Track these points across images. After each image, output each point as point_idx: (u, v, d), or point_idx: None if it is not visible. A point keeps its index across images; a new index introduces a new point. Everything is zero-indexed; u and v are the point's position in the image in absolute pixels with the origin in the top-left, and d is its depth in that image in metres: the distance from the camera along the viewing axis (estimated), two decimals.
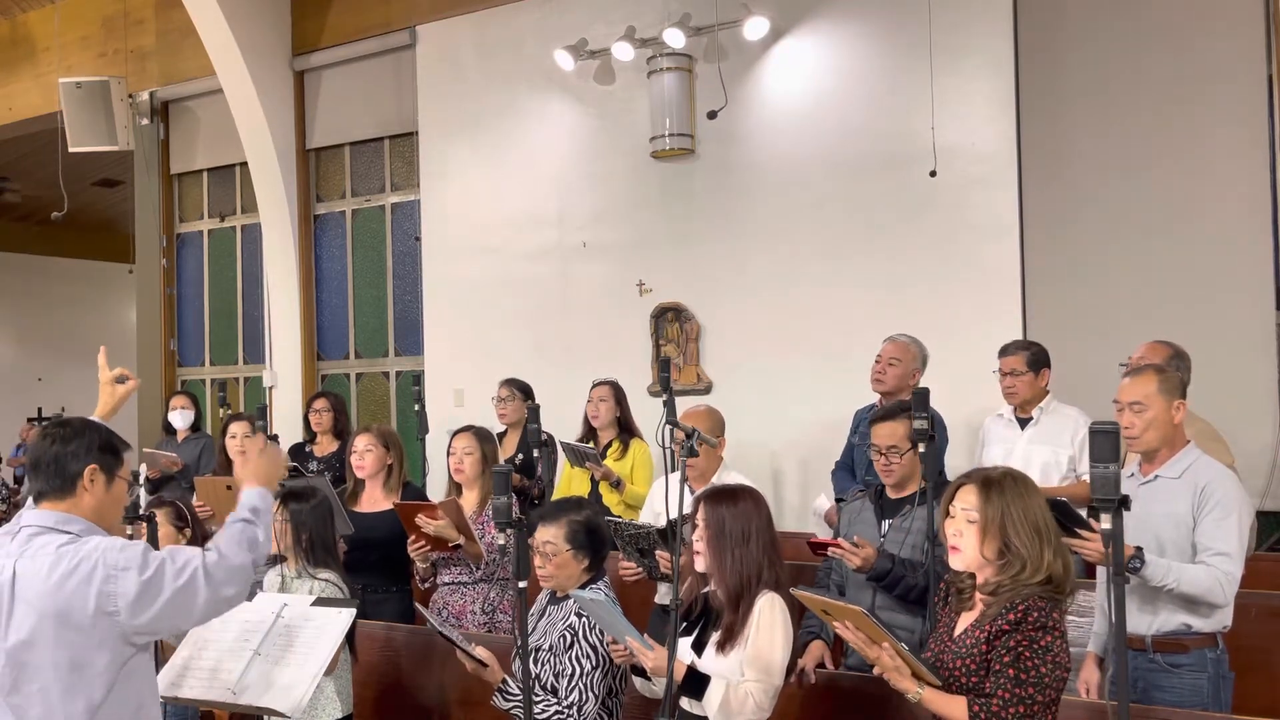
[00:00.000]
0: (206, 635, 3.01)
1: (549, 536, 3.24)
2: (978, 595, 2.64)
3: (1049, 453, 4.56)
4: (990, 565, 2.60)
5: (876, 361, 4.96)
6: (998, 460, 4.42)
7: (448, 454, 4.52)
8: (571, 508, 3.36)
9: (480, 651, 3.18)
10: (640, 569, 3.98)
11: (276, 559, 3.73)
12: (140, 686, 2.46)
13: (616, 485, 5.07)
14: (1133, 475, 3.38)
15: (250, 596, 2.64)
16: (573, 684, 3.11)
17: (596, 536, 3.30)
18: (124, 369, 3.30)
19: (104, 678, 2.36)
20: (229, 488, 4.60)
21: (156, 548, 3.06)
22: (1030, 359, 4.63)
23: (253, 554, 2.51)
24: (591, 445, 5.25)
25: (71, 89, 8.66)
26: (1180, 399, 3.35)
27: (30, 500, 2.54)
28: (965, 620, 2.67)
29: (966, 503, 2.62)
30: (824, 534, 4.22)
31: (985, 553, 2.59)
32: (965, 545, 2.61)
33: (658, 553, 3.78)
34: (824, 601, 2.74)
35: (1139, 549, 3.14)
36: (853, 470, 5.01)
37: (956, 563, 2.65)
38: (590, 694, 3.11)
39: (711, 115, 6.41)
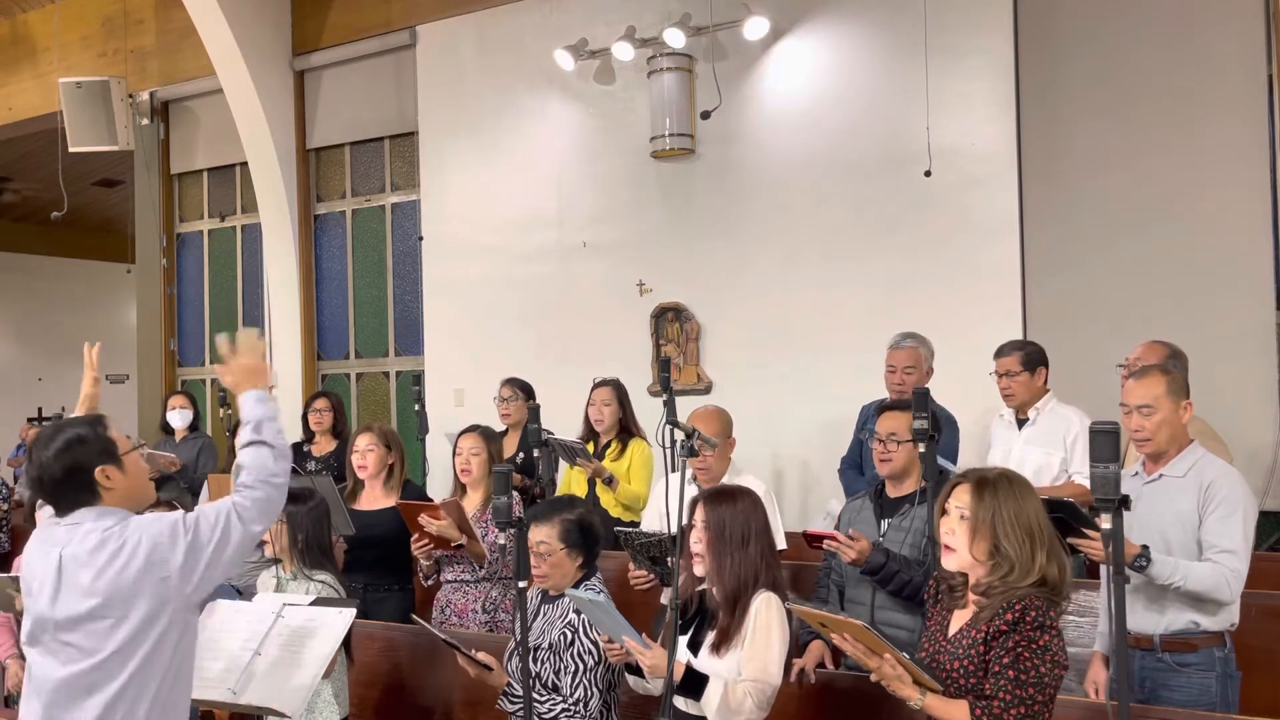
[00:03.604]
0: (207, 635, 3.01)
1: (543, 536, 3.25)
2: (970, 594, 2.63)
3: (1041, 455, 4.49)
4: (981, 565, 2.58)
5: (891, 372, 4.86)
6: (998, 463, 4.37)
7: (453, 454, 4.52)
8: (564, 506, 3.37)
9: (483, 656, 3.18)
10: (653, 576, 3.97)
11: (272, 562, 3.73)
12: (188, 650, 2.55)
13: (609, 483, 5.06)
14: (1136, 474, 3.38)
15: (249, 598, 2.64)
16: (577, 680, 3.13)
17: (589, 534, 3.32)
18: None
19: (160, 642, 2.45)
20: None
21: None
22: (1025, 359, 4.54)
23: (273, 479, 2.58)
24: (581, 442, 5.21)
25: (71, 89, 8.65)
26: (1187, 399, 3.35)
27: (51, 512, 2.56)
28: (959, 619, 2.66)
29: (960, 501, 2.61)
30: None
31: (975, 553, 2.57)
32: (958, 544, 2.60)
33: (670, 559, 3.77)
34: (822, 615, 2.72)
35: (1145, 547, 3.13)
36: (860, 467, 4.95)
37: (950, 562, 2.64)
38: (594, 689, 3.13)
39: (705, 115, 6.42)
